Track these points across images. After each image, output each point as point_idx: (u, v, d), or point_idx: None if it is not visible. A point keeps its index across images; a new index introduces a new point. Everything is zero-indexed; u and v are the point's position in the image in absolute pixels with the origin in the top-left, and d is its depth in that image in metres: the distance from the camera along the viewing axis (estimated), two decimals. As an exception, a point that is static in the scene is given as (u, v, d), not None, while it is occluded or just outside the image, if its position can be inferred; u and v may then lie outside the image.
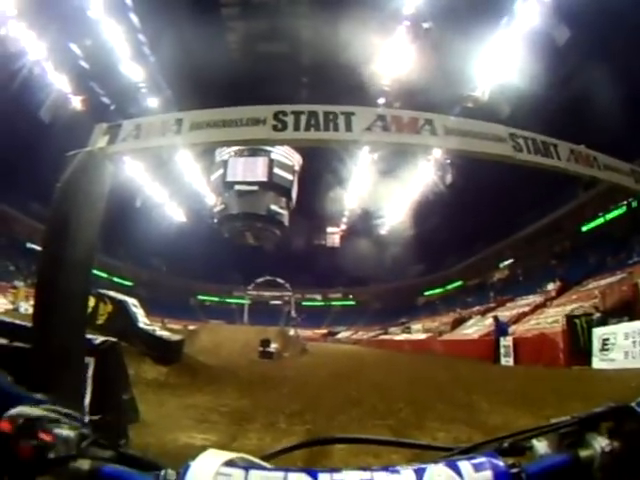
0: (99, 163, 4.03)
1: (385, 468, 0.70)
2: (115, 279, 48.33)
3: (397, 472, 0.69)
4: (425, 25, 27.04)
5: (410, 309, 54.75)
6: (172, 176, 44.12)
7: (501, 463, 0.71)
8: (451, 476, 0.68)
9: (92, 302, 9.42)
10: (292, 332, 32.69)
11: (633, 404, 0.81)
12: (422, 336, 36.22)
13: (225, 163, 41.40)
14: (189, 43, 28.02)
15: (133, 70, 31.21)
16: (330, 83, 31.01)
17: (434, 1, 25.78)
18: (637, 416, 0.78)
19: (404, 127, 4.50)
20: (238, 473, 0.68)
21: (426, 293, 57.39)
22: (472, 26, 24.70)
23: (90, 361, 3.92)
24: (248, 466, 0.71)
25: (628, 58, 22.20)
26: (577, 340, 14.30)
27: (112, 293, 10.80)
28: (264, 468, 0.73)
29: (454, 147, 4.89)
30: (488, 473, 0.69)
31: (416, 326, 42.82)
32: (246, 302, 52.27)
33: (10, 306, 22.66)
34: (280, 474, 0.69)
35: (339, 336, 56.92)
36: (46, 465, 0.75)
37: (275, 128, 4.27)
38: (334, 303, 68.13)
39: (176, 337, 11.05)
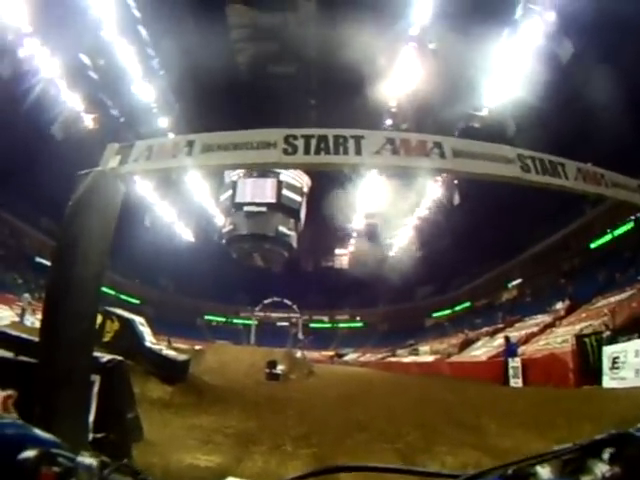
0: (110, 183, 4.10)
1: None
2: (122, 297, 48.40)
3: None
4: (431, 46, 27.43)
5: (418, 331, 54.23)
6: (182, 196, 44.52)
7: None
8: None
9: (99, 319, 9.44)
10: (299, 354, 32.39)
11: (632, 430, 0.82)
12: (430, 358, 35.83)
13: (234, 184, 41.81)
14: (199, 64, 28.46)
15: (144, 90, 31.76)
16: (338, 103, 31.38)
17: (440, 21, 26.15)
18: (637, 442, 0.79)
19: (413, 150, 4.54)
20: None
21: (434, 315, 56.90)
22: (477, 45, 25.02)
23: (96, 379, 3.93)
24: None
25: (634, 70, 22.34)
26: (587, 359, 14.12)
27: (119, 311, 10.82)
28: None
29: (463, 170, 4.92)
30: None
31: (424, 348, 42.37)
32: (253, 323, 52.10)
33: (17, 318, 22.75)
34: None
35: (346, 358, 56.31)
36: None
37: (286, 152, 4.34)
38: (342, 325, 67.68)
39: (182, 357, 11.04)
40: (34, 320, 20.71)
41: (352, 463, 0.96)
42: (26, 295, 25.25)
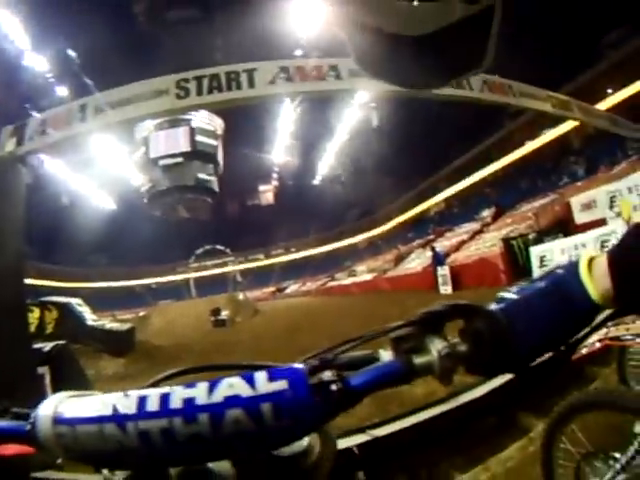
0: (11, 167, 3.82)
1: (185, 384, 0.78)
2: (55, 284, 46.26)
3: (193, 386, 0.76)
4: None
5: (353, 253, 55.86)
6: (94, 165, 41.91)
7: (302, 373, 0.73)
8: (243, 386, 0.72)
9: (37, 313, 9.09)
10: (241, 296, 32.69)
11: (487, 307, 0.78)
12: (368, 277, 37.17)
13: (146, 139, 39.59)
14: (91, 23, 25.86)
15: (36, 61, 28.81)
16: (245, 41, 29.96)
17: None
18: (484, 315, 0.75)
19: (308, 76, 4.51)
20: (75, 400, 0.75)
21: (366, 235, 58.48)
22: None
23: (45, 370, 3.84)
24: (87, 395, 0.79)
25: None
26: (516, 260, 15.17)
27: (55, 298, 10.38)
28: (96, 395, 0.81)
29: (360, 88, 4.95)
30: (283, 382, 0.73)
31: (361, 268, 43.81)
32: (191, 276, 51.58)
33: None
34: (100, 397, 0.77)
35: (288, 291, 57.46)
36: None
37: (178, 96, 4.23)
38: (278, 260, 68.32)
39: (125, 326, 10.91)
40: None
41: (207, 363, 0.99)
42: None
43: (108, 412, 0.72)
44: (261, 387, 0.70)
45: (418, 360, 0.70)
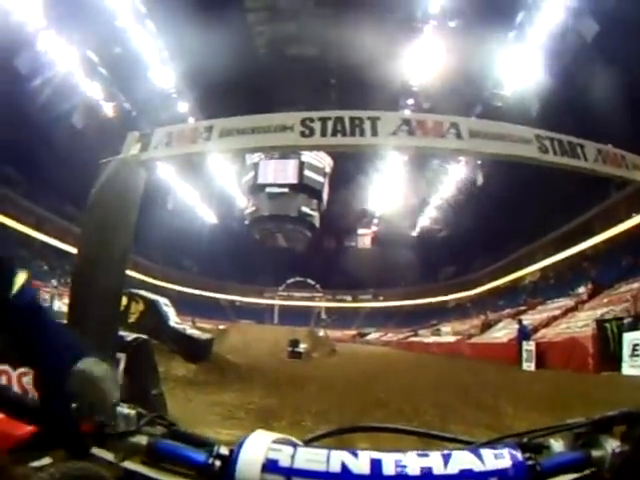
0: (132, 170, 4.23)
1: (417, 452, 0.81)
2: (146, 279, 49.37)
3: (427, 456, 0.79)
4: (451, 24, 26.87)
5: (440, 311, 54.10)
6: (204, 179, 44.89)
7: (519, 454, 0.80)
8: (474, 462, 0.77)
9: (124, 301, 9.68)
10: (321, 333, 32.73)
11: None
12: (451, 339, 35.85)
13: (256, 166, 41.81)
14: (216, 49, 28.15)
15: (162, 75, 31.88)
16: (358, 85, 31.06)
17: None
18: None
19: (429, 131, 4.53)
20: (287, 449, 0.81)
21: (457, 295, 56.53)
22: (498, 23, 24.43)
23: (122, 357, 4.11)
24: (296, 444, 0.84)
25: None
26: (607, 345, 13.91)
27: (144, 292, 10.99)
28: (310, 446, 0.86)
29: (480, 150, 4.90)
30: (507, 462, 0.78)
31: (446, 329, 42.34)
32: (276, 303, 52.67)
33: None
34: (324, 452, 0.80)
35: (369, 337, 56.59)
36: (105, 438, 0.88)
37: (302, 134, 4.37)
38: (364, 305, 67.79)
39: (206, 336, 11.25)
40: (60, 304, 21.43)
41: (382, 424, 1.07)
42: (53, 281, 26.08)
43: (336, 469, 0.79)
44: (489, 463, 0.79)
45: (595, 454, 0.82)
